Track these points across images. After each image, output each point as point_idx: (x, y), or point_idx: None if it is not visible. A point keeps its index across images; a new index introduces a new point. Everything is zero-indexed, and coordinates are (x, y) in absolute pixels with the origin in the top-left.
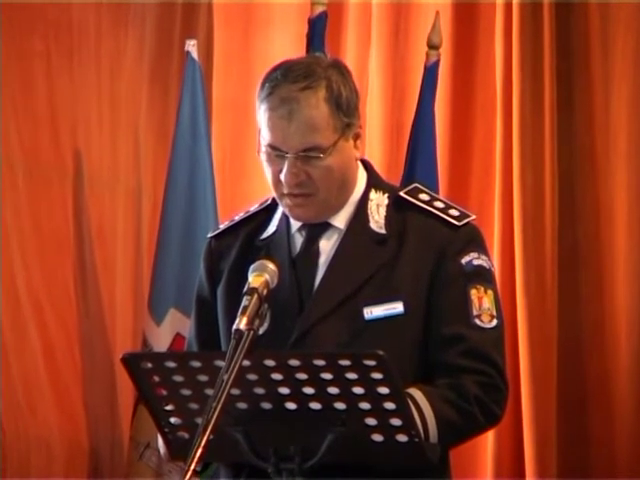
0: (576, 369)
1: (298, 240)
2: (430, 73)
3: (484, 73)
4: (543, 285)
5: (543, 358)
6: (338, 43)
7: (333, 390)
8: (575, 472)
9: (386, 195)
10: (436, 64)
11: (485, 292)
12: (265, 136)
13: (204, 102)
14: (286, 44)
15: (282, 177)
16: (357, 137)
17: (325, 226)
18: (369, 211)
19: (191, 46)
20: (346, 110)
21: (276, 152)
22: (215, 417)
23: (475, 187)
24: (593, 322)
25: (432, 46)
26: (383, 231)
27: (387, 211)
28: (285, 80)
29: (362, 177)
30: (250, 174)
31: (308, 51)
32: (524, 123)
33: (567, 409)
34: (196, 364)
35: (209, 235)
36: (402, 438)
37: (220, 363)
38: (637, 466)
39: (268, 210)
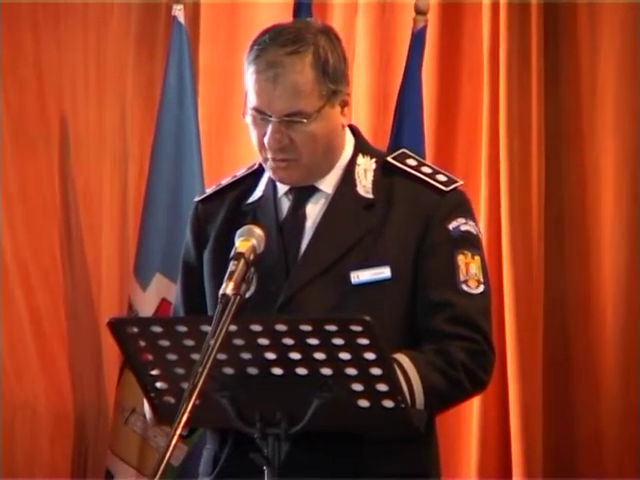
0: (562, 337)
1: (285, 204)
2: (417, 39)
3: (471, 40)
4: (529, 253)
5: (529, 326)
6: (325, 9)
7: (319, 356)
8: (561, 441)
9: (373, 160)
10: (423, 30)
11: (472, 258)
12: (251, 99)
13: (190, 67)
14: (273, 9)
15: (265, 141)
16: (345, 104)
17: (312, 190)
18: (356, 176)
19: (178, 10)
20: (333, 77)
21: (261, 115)
22: (201, 382)
23: (461, 154)
24: (579, 290)
25: (420, 12)
26: (370, 196)
27: (374, 176)
28: (273, 44)
29: (349, 142)
30: (236, 139)
31: (295, 17)
32: (511, 89)
33: (553, 377)
34: (182, 329)
35: (196, 199)
36: (388, 404)
37: (206, 328)
38: (622, 435)
39: (255, 174)
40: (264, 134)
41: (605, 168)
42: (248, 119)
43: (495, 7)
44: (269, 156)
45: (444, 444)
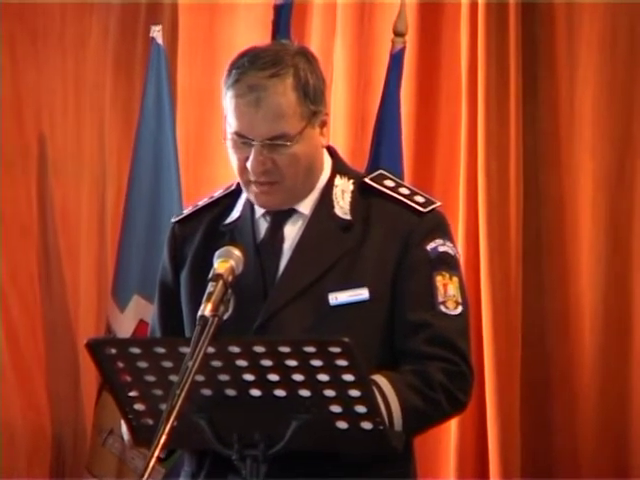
0: (540, 357)
1: (262, 226)
2: (396, 60)
3: (449, 61)
4: (507, 273)
5: (507, 346)
6: (303, 30)
7: (298, 377)
8: (538, 460)
9: (351, 181)
10: (402, 51)
11: (450, 279)
12: (231, 123)
13: (169, 88)
14: (251, 30)
15: (248, 165)
16: (323, 124)
17: (290, 212)
18: (334, 197)
19: (156, 32)
20: (313, 98)
21: (242, 139)
22: (179, 404)
23: (440, 175)
24: (557, 310)
25: (398, 33)
26: (348, 217)
27: (352, 197)
28: (252, 67)
29: (327, 163)
30: (214, 160)
31: (274, 38)
32: (489, 111)
33: (531, 397)
34: (161, 350)
35: (172, 220)
36: (367, 425)
37: (185, 349)
38: (599, 453)
39: (232, 195)
40: (246, 158)
41: (583, 189)
42: (228, 143)
43: (473, 28)
44: (252, 179)
45: (422, 462)
